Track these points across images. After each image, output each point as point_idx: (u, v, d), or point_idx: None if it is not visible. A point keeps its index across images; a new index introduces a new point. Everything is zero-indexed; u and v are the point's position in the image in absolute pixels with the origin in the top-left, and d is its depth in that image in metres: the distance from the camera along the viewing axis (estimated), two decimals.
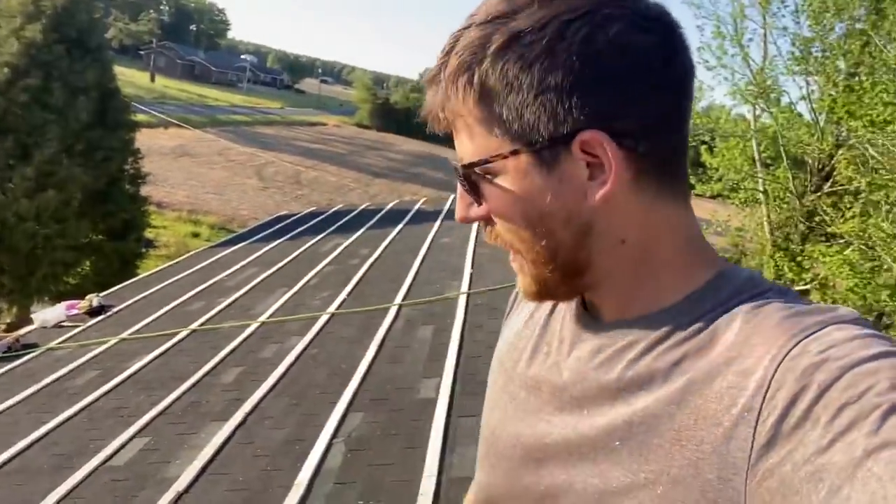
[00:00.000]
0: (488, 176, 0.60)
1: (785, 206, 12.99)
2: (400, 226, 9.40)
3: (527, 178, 0.58)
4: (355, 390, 3.82)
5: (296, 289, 6.40)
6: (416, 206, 11.40)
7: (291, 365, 4.33)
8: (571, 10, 0.54)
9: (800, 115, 13.96)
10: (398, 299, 5.56)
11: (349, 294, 5.97)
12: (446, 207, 10.49)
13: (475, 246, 7.19)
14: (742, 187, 13.51)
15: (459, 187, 0.64)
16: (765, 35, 12.66)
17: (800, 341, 0.49)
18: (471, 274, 6.05)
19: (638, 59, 0.54)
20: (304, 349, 4.62)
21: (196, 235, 15.29)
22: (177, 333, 5.31)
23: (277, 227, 10.65)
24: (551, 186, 0.57)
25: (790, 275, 11.56)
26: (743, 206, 14.25)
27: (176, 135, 31.00)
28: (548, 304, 0.74)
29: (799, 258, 11.65)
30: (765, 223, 13.34)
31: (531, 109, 0.55)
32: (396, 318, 5.14)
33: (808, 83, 14.01)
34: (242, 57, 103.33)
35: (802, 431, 0.45)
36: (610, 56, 0.53)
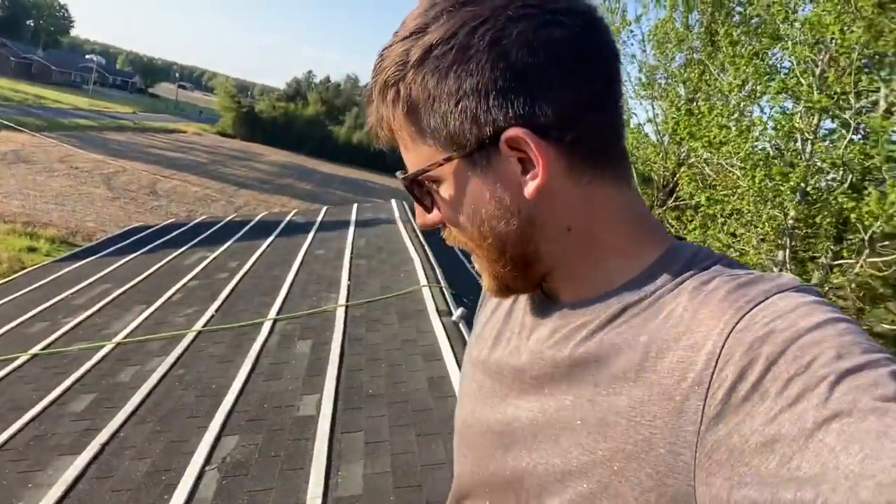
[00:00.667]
0: (431, 184, 0.63)
1: None
2: (271, 238, 9.03)
3: (463, 181, 0.61)
4: (228, 412, 3.57)
5: (156, 305, 5.91)
6: (288, 218, 11.02)
7: (154, 388, 3.97)
8: (476, 16, 0.56)
9: (646, 135, 15.26)
10: (272, 313, 5.31)
11: (218, 310, 5.61)
12: (319, 218, 10.25)
13: (351, 257, 7.07)
14: None
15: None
16: None
17: (745, 313, 0.50)
18: (348, 286, 5.93)
19: (546, 52, 0.55)
20: (169, 370, 4.26)
21: (33, 250, 13.68)
22: (15, 358, 4.70)
23: (132, 239, 9.82)
24: (488, 186, 0.60)
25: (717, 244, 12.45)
26: None
27: (8, 139, 27.80)
28: (511, 298, 0.75)
29: (726, 227, 12.55)
30: None
31: (455, 116, 0.57)
32: (271, 333, 4.90)
33: (653, 107, 15.36)
34: (88, 57, 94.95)
35: (751, 404, 0.45)
36: (517, 54, 0.55)
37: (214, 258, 7.98)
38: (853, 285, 9.59)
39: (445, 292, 5.30)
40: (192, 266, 7.55)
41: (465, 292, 5.77)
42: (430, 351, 4.21)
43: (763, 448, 0.43)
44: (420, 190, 0.64)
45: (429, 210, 0.65)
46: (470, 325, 4.40)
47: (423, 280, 5.68)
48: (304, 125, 58.14)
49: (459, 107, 0.57)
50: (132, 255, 8.54)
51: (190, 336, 4.93)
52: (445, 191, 0.62)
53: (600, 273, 0.62)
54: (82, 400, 3.93)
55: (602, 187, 0.60)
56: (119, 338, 5.02)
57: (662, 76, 15.06)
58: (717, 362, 0.49)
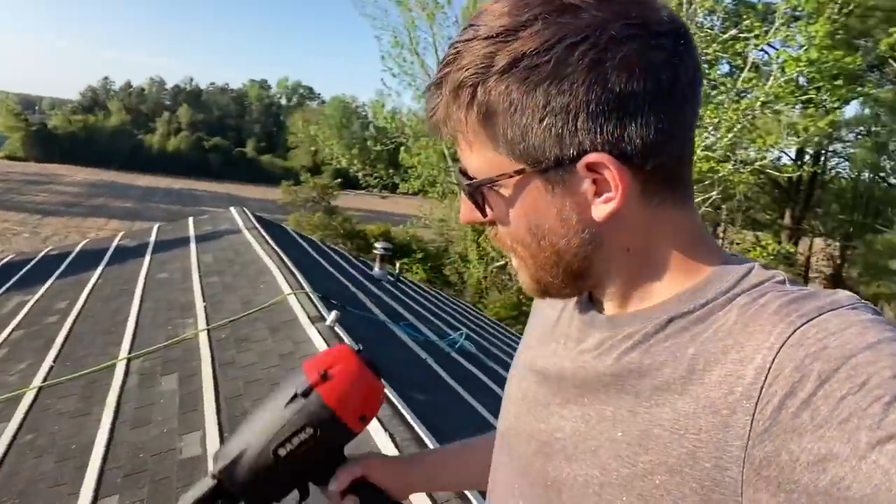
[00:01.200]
0: (494, 190, 0.61)
1: None
2: (100, 268, 8.18)
3: (532, 195, 0.59)
4: (99, 471, 3.22)
5: None
6: (115, 243, 10.02)
7: (2, 460, 3.48)
8: (577, 31, 0.52)
9: None
10: (123, 352, 4.84)
11: (56, 359, 5.00)
12: (152, 238, 9.44)
13: (201, 276, 6.63)
14: (438, 181, 14.80)
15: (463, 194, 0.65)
16: (434, 44, 13.97)
17: (797, 328, 0.49)
18: (205, 307, 5.55)
19: (646, 80, 0.53)
20: (14, 438, 3.74)
21: None
22: None
23: None
24: (556, 204, 0.58)
25: (493, 253, 13.07)
26: (442, 199, 15.65)
27: None
28: (559, 304, 0.75)
29: None
30: None
31: (536, 131, 0.55)
32: (127, 374, 4.47)
33: None
34: None
35: (800, 421, 0.45)
36: (617, 80, 0.52)
37: (36, 301, 7.08)
38: None
39: (313, 297, 5.16)
40: (11, 315, 6.64)
41: (331, 295, 5.66)
42: None
43: (813, 467, 0.43)
44: (479, 194, 0.62)
45: (483, 214, 0.63)
46: (345, 328, 4.34)
47: (286, 288, 5.48)
48: (109, 137, 53.06)
49: (544, 123, 0.54)
50: None
51: (30, 395, 4.35)
52: (509, 200, 0.60)
53: (650, 288, 0.62)
54: None
55: (667, 209, 0.60)
56: None
57: None
58: (766, 377, 0.48)
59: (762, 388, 0.48)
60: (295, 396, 0.76)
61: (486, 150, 0.59)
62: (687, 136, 0.59)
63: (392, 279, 9.09)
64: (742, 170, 11.19)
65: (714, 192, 10.57)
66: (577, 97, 0.53)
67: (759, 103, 9.96)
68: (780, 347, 0.49)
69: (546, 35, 0.53)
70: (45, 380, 4.61)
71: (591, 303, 0.69)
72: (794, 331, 0.49)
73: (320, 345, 4.22)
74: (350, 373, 0.78)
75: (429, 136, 13.20)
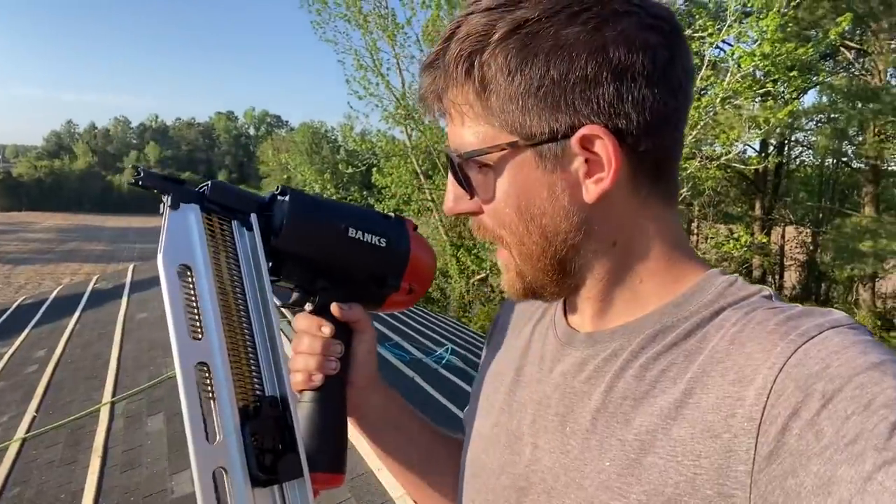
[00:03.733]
0: (482, 168, 0.58)
1: None
2: (77, 313, 8.07)
3: (523, 171, 0.56)
4: None
5: None
6: (90, 287, 9.90)
7: None
8: (580, 1, 0.52)
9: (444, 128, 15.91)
10: (106, 397, 4.78)
11: (38, 409, 4.92)
12: (129, 279, 9.34)
13: None
14: (413, 199, 14.84)
15: (450, 178, 0.61)
16: (398, 64, 14.06)
17: (798, 347, 0.47)
18: None
19: (644, 56, 0.53)
20: (1, 491, 3.67)
21: None
22: None
23: None
24: (546, 182, 0.56)
25: (472, 266, 13.12)
26: (418, 216, 15.70)
27: None
28: (529, 327, 0.72)
29: (475, 251, 13.29)
30: (440, 227, 14.88)
31: (532, 101, 0.53)
32: (112, 418, 4.42)
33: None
34: None
35: (806, 443, 0.43)
36: (616, 51, 0.52)
37: (14, 352, 6.96)
38: None
39: (294, 323, 5.15)
40: None
41: None
42: None
43: (820, 490, 0.41)
44: (465, 172, 0.59)
45: (470, 194, 0.60)
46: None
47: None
48: (78, 181, 52.48)
49: (541, 92, 0.53)
50: None
51: (14, 448, 4.28)
52: (497, 178, 0.57)
53: (631, 296, 0.59)
54: None
55: (653, 205, 0.58)
56: None
57: None
58: (768, 397, 0.46)
59: (764, 409, 0.46)
60: (394, 218, 0.77)
61: (480, 123, 0.57)
62: (679, 128, 0.58)
63: None
64: (708, 166, 11.42)
65: (684, 190, 10.76)
66: (576, 65, 0.52)
67: (718, 100, 10.19)
68: (782, 367, 0.47)
69: (548, 4, 0.52)
70: (27, 431, 4.53)
71: (565, 319, 0.66)
72: (796, 349, 0.47)
73: None
74: (432, 256, 0.79)
75: (419, 115, 12.78)
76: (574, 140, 0.54)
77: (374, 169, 15.18)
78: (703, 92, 10.75)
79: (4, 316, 9.22)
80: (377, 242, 0.73)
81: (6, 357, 6.77)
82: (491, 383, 0.74)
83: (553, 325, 0.68)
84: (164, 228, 0.59)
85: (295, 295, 0.76)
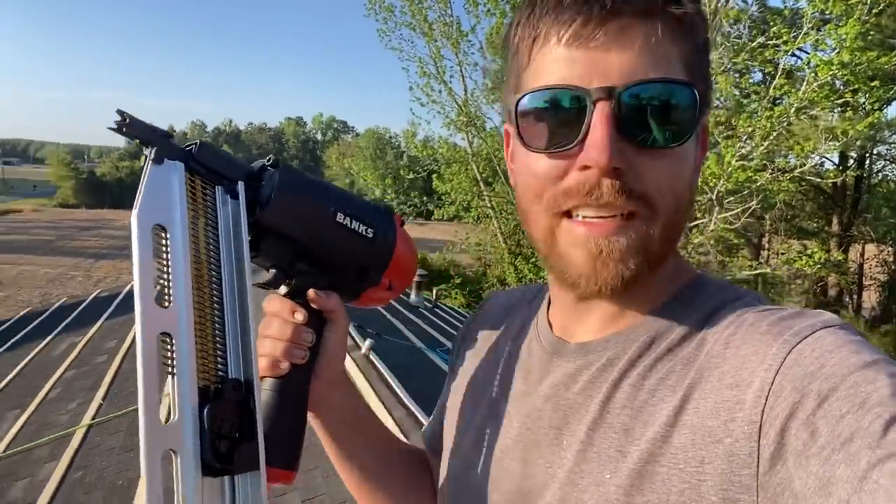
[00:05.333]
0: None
1: (510, 216, 14.58)
2: None
3: (700, 138, 0.58)
4: None
5: (33, 407, 5.35)
6: None
7: (53, 497, 3.60)
8: None
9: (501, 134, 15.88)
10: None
11: (105, 397, 5.18)
12: None
13: None
14: (472, 206, 14.84)
15: (610, 127, 0.51)
16: (461, 71, 14.11)
17: (793, 347, 0.48)
18: None
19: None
20: (65, 475, 3.88)
21: None
22: None
23: None
24: (693, 154, 0.57)
25: (530, 275, 12.99)
26: (477, 223, 15.69)
27: None
28: (507, 342, 0.70)
29: (533, 259, 13.15)
30: (498, 234, 14.82)
31: (704, 74, 0.57)
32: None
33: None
34: None
35: (804, 443, 0.43)
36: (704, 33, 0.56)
37: (87, 342, 7.35)
38: (711, 241, 10.56)
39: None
40: (63, 356, 6.90)
41: (367, 323, 5.72)
42: None
43: (820, 491, 0.41)
44: (698, 105, 0.54)
45: (643, 144, 0.52)
46: (379, 355, 4.32)
47: None
48: None
49: (704, 61, 0.56)
50: None
51: (80, 433, 4.51)
52: (696, 134, 0.58)
53: (651, 285, 0.58)
54: None
55: None
56: None
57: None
58: (766, 399, 0.46)
59: (763, 411, 0.46)
60: (383, 210, 0.74)
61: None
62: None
63: (429, 305, 9.14)
64: (781, 178, 10.94)
65: (753, 202, 10.35)
66: (704, 43, 0.56)
67: (793, 109, 9.76)
68: (779, 368, 0.47)
69: None
70: (93, 418, 4.77)
71: (550, 329, 0.65)
72: (791, 350, 0.48)
73: (354, 374, 4.27)
74: (415, 254, 0.77)
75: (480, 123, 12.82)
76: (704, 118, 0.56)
77: (435, 175, 15.27)
78: (777, 101, 10.33)
79: (81, 307, 9.74)
80: (364, 232, 0.70)
81: (79, 346, 7.16)
82: (469, 398, 0.72)
83: (537, 337, 0.66)
84: (143, 183, 0.54)
85: (270, 274, 0.70)
